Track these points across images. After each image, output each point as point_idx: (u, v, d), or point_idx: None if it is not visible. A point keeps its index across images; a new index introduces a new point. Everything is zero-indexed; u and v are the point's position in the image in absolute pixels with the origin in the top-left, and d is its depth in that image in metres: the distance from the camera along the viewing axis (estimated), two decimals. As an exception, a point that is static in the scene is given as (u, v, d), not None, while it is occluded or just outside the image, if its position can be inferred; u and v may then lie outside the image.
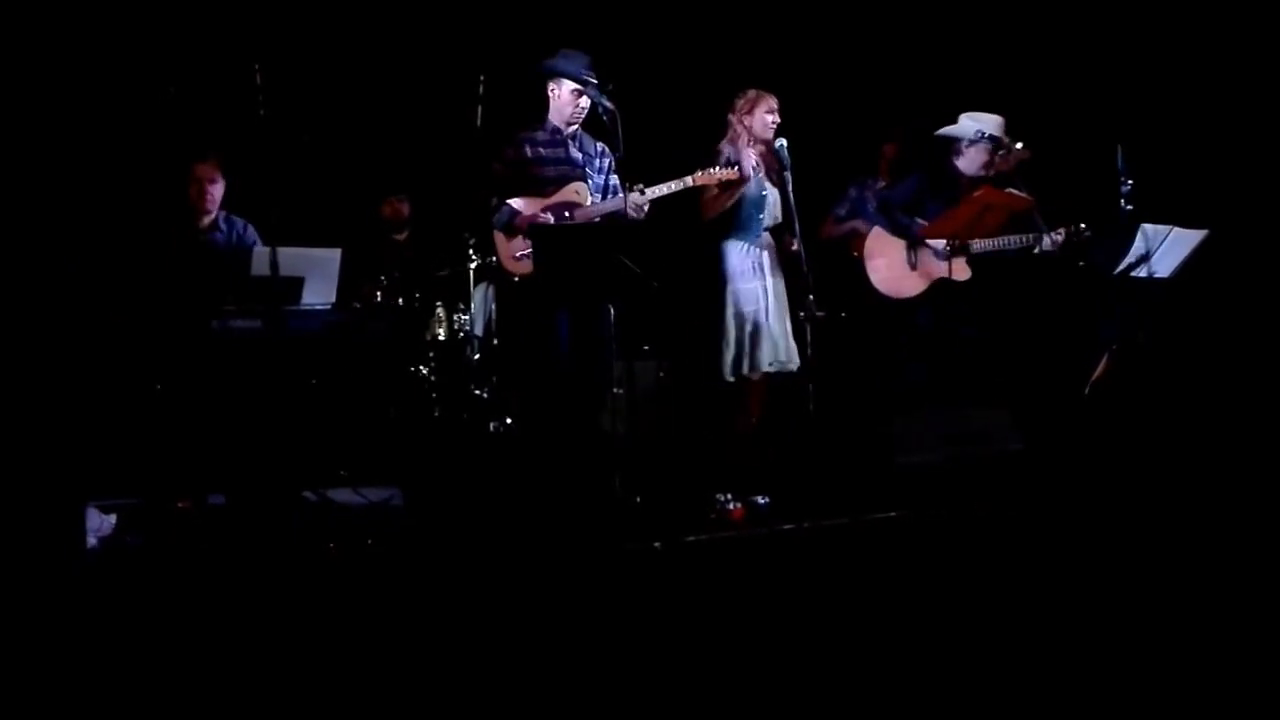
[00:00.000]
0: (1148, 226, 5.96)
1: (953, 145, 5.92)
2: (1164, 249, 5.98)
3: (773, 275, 5.53)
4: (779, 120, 5.46)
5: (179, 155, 5.50)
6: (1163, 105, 6.57)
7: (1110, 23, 6.77)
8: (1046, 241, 5.76)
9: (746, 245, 5.52)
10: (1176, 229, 5.96)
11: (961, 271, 5.79)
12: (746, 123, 5.45)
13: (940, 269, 5.74)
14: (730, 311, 5.52)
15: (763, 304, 5.50)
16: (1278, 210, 6.44)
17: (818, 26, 6.81)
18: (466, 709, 2.94)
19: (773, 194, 5.55)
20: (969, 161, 5.88)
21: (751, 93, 5.51)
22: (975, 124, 5.88)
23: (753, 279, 5.50)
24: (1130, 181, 5.89)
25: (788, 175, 5.38)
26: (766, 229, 5.55)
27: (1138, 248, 5.94)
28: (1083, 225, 5.79)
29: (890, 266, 5.80)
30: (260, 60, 4.60)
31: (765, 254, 5.54)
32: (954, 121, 5.93)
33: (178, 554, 4.34)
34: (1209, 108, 6.59)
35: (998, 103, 6.08)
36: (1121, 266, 6.00)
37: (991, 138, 5.83)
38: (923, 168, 6.01)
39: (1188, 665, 3.08)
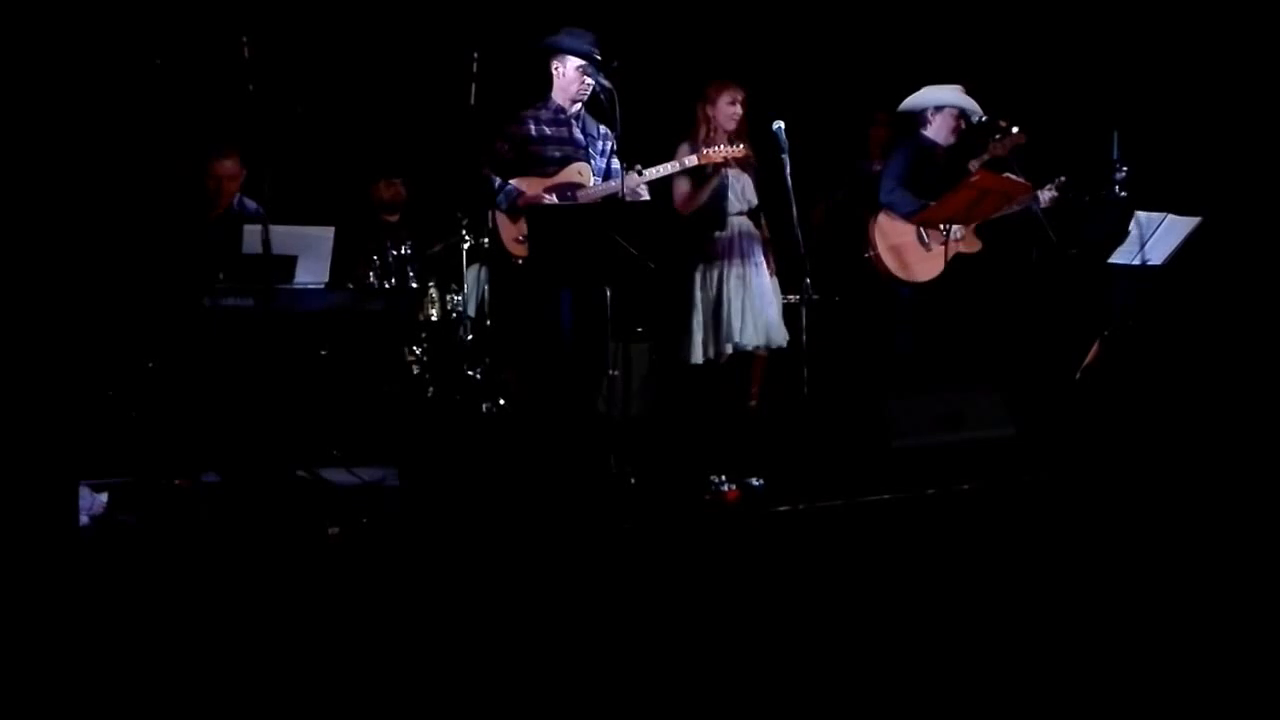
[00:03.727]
0: (1141, 213, 5.99)
1: (919, 118, 5.93)
2: (1158, 235, 6.01)
3: (742, 259, 5.53)
4: (740, 111, 5.47)
5: (166, 131, 5.47)
6: (1159, 92, 6.58)
7: (1105, 7, 6.77)
8: (1043, 199, 5.83)
9: (716, 231, 5.57)
10: (1170, 216, 5.99)
11: (973, 244, 5.83)
12: (710, 112, 5.48)
13: (954, 245, 5.76)
14: (696, 296, 5.57)
15: (715, 289, 5.52)
16: (1271, 198, 6.47)
17: (811, 8, 6.79)
18: (461, 690, 2.94)
19: (741, 180, 5.56)
20: (937, 130, 5.93)
21: (716, 83, 5.55)
22: (933, 94, 5.91)
23: (713, 263, 5.54)
24: (1125, 168, 5.92)
25: (785, 159, 5.38)
26: (740, 214, 5.59)
27: (1132, 234, 5.98)
28: (1064, 178, 5.86)
29: (904, 251, 5.78)
30: (248, 33, 4.56)
31: (737, 239, 5.55)
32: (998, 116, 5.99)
33: (170, 533, 4.32)
34: (1204, 95, 6.61)
35: (994, 87, 6.10)
36: (1115, 253, 6.04)
37: (957, 111, 5.88)
38: (895, 145, 6.02)
39: (1177, 645, 3.11)
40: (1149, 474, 4.97)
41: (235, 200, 5.59)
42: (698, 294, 5.57)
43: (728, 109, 5.48)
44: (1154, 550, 3.97)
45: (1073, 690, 2.85)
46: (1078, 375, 6.03)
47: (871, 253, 5.80)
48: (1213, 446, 5.28)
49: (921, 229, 5.80)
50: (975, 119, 5.93)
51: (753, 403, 5.67)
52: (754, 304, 5.54)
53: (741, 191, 5.58)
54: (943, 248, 5.73)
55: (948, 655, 3.08)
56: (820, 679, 2.97)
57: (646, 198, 5.18)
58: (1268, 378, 5.96)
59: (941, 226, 5.78)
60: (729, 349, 5.54)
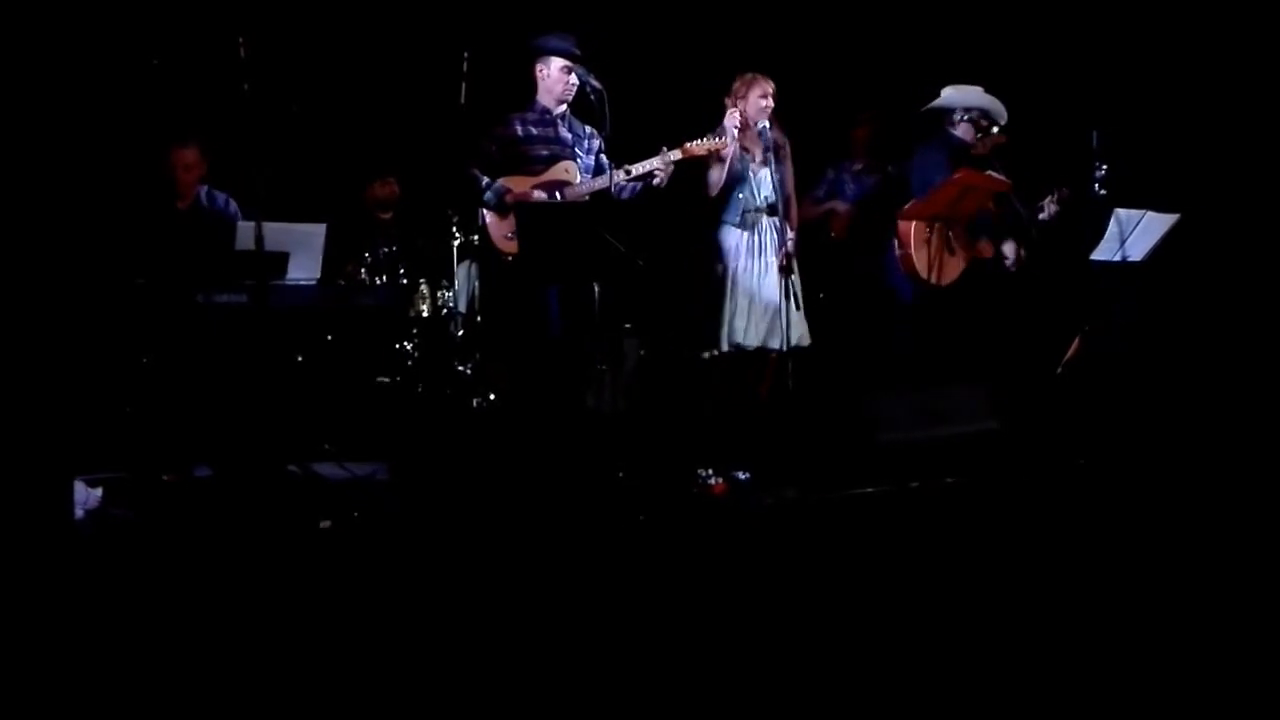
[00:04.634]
0: (1121, 210, 6.06)
1: (947, 117, 6.00)
2: (1137, 232, 6.08)
3: (756, 256, 5.52)
4: (772, 104, 5.45)
5: (164, 129, 5.50)
6: (1138, 90, 6.63)
7: (1084, 6, 6.83)
8: (1046, 212, 5.92)
9: (727, 226, 5.53)
10: (1150, 213, 6.05)
11: (988, 249, 5.91)
12: (740, 106, 5.47)
13: (974, 248, 5.85)
14: (705, 290, 5.52)
15: (730, 284, 5.48)
16: (1248, 194, 6.52)
17: (796, 8, 6.83)
18: (451, 682, 2.97)
19: (762, 175, 5.50)
20: (965, 131, 5.99)
21: (747, 76, 5.50)
22: (961, 95, 5.98)
23: (730, 259, 5.50)
24: (1105, 166, 5.98)
25: (770, 156, 5.41)
26: (758, 210, 5.53)
27: (1111, 231, 6.05)
28: (1064, 188, 5.94)
29: (933, 253, 5.79)
30: (245, 34, 4.60)
31: (749, 235, 5.52)
32: (934, 96, 6.03)
33: (164, 527, 4.34)
34: (1184, 92, 6.66)
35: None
36: (1095, 250, 6.10)
37: (984, 112, 5.97)
38: (922, 143, 6.03)
39: (1158, 636, 3.16)
40: (1130, 467, 5.03)
41: (202, 192, 5.59)
42: (709, 289, 5.51)
43: (759, 103, 5.43)
44: (1134, 542, 4.02)
45: (1055, 682, 2.88)
46: (1059, 370, 6.09)
47: (901, 251, 5.80)
48: (1192, 440, 5.34)
49: (950, 233, 5.84)
50: (1001, 123, 6.00)
51: (762, 399, 5.63)
52: (760, 304, 5.47)
53: (757, 188, 5.50)
54: (965, 252, 5.81)
55: (930, 646, 3.11)
56: (806, 669, 3.01)
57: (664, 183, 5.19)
58: (1245, 372, 6.03)
59: (965, 234, 5.83)
60: (726, 347, 5.48)
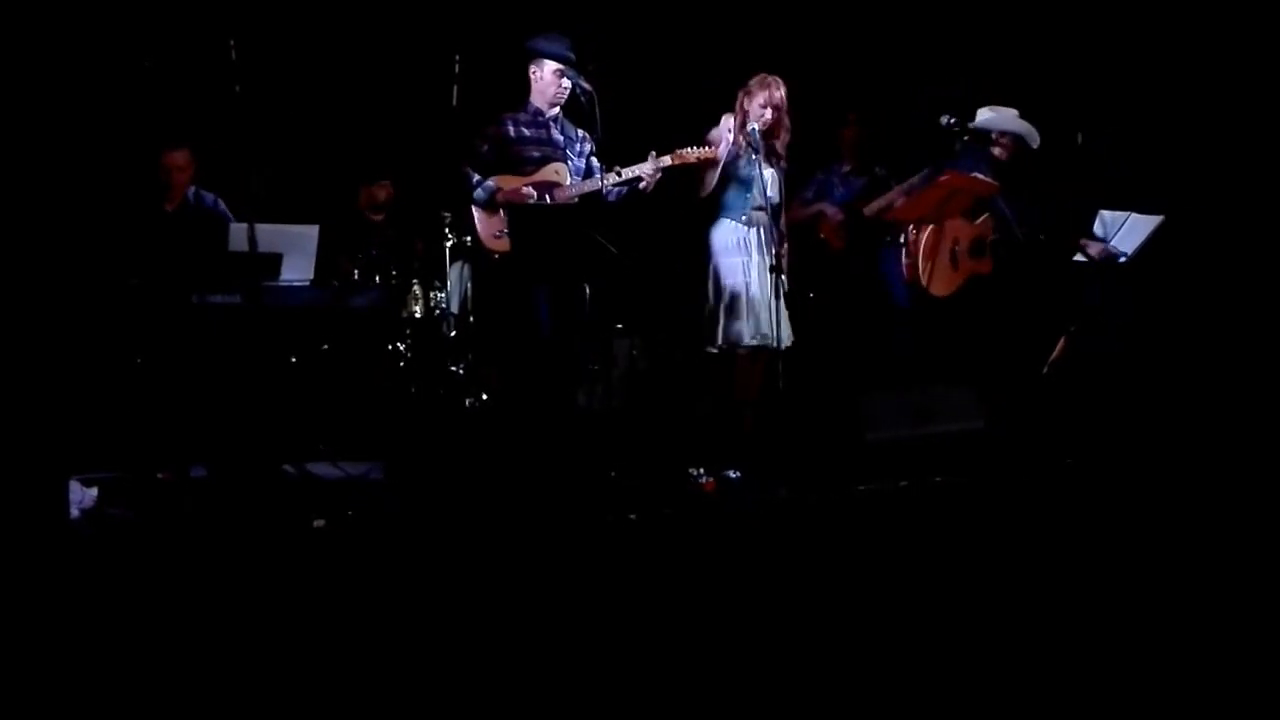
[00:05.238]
0: (1105, 212, 6.12)
1: (989, 135, 6.07)
2: (1122, 234, 6.14)
3: (759, 253, 5.50)
4: (769, 114, 5.43)
5: (157, 131, 5.52)
6: (1123, 92, 6.68)
7: (1071, 9, 6.88)
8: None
9: (732, 223, 5.52)
10: (1133, 214, 6.11)
11: (988, 264, 5.97)
12: (746, 105, 5.50)
13: (973, 264, 5.90)
14: (710, 287, 5.49)
15: (743, 280, 5.47)
16: (1238, 195, 6.57)
17: (787, 11, 6.86)
18: (444, 679, 2.99)
19: (768, 175, 5.48)
20: (1002, 151, 6.06)
21: (765, 78, 5.48)
22: (998, 118, 6.07)
23: (736, 255, 5.49)
24: (1092, 168, 6.04)
25: (758, 159, 5.44)
26: (760, 209, 5.50)
27: (1095, 232, 6.11)
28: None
29: (937, 263, 5.85)
30: (235, 36, 4.63)
31: (754, 232, 5.50)
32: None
33: (159, 527, 4.36)
34: (1170, 94, 6.70)
35: (962, 90, 6.20)
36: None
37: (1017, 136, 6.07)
38: (960, 155, 6.06)
39: (1141, 628, 3.19)
40: (1118, 466, 5.08)
41: (190, 193, 5.62)
42: (716, 285, 5.48)
43: (759, 110, 5.42)
44: (1122, 541, 4.04)
45: (1042, 680, 2.90)
46: (1044, 370, 6.15)
47: (909, 259, 5.86)
48: (1180, 439, 5.39)
49: (955, 246, 5.89)
50: (1034, 147, 6.08)
51: (753, 397, 5.65)
52: (757, 303, 5.44)
53: (764, 188, 5.48)
54: (965, 267, 5.86)
55: (919, 643, 3.13)
56: (796, 666, 3.02)
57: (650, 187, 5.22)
58: (1234, 370, 6.08)
59: (969, 248, 5.88)
60: (742, 341, 5.44)
